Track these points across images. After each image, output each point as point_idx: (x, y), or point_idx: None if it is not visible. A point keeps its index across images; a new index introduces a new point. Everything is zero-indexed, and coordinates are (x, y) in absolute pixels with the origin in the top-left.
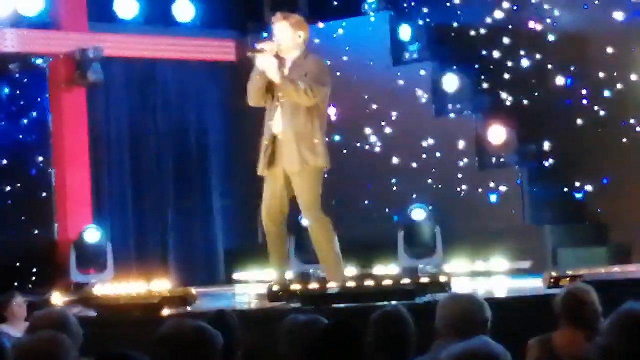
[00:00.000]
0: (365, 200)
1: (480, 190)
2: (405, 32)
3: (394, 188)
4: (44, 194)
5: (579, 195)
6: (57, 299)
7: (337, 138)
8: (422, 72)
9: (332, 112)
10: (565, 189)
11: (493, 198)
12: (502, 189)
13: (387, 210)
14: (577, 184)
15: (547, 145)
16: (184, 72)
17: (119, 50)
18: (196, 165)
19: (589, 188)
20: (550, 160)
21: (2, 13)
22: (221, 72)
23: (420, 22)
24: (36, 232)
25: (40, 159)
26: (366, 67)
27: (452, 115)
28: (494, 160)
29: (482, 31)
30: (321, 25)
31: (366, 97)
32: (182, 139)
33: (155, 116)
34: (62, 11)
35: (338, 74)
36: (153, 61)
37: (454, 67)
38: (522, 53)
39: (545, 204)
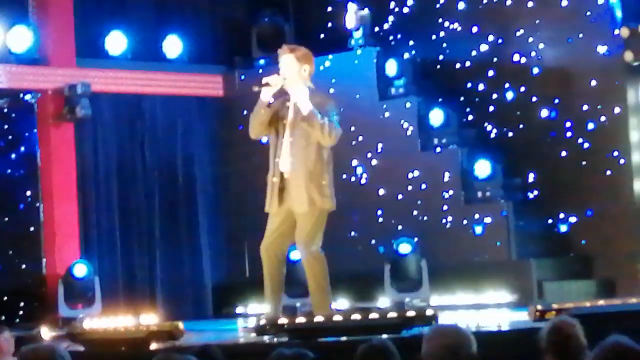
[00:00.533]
0: (350, 231)
1: (465, 223)
2: (391, 67)
3: (380, 220)
4: (32, 229)
5: (563, 227)
6: (45, 333)
7: None
8: (408, 105)
9: None
10: (550, 221)
11: (478, 231)
12: (488, 222)
13: (372, 242)
14: (562, 216)
15: (531, 177)
16: (172, 107)
17: (107, 86)
18: (184, 199)
19: (572, 219)
20: (535, 192)
21: None
22: (209, 107)
23: (406, 57)
24: (24, 266)
25: (29, 193)
26: (352, 101)
27: (438, 149)
28: (479, 194)
29: (467, 64)
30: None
31: (352, 129)
32: (170, 174)
33: (143, 151)
34: (50, 47)
35: None
36: (141, 96)
37: (440, 101)
38: (507, 85)
39: (530, 237)
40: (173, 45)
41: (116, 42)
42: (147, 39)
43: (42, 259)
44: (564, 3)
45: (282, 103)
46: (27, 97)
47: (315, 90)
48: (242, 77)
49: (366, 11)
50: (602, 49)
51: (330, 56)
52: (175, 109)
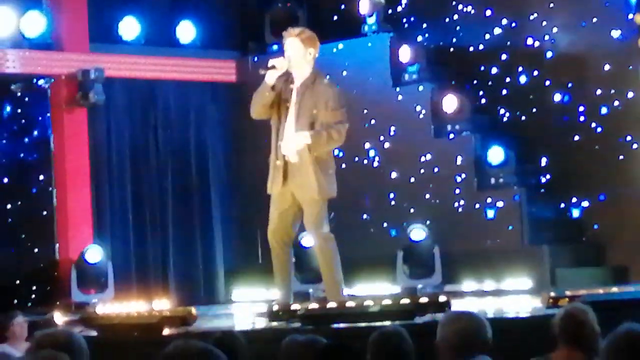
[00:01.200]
0: (363, 214)
1: (478, 209)
2: (404, 53)
3: (392, 202)
4: (45, 212)
5: (576, 212)
6: (58, 318)
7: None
8: (421, 90)
9: None
10: (562, 205)
11: (491, 216)
12: (500, 208)
13: (384, 224)
14: (574, 200)
15: (544, 161)
16: (185, 92)
17: (120, 71)
18: (197, 185)
19: (585, 204)
20: (547, 176)
21: (4, 34)
22: (222, 92)
23: (420, 43)
24: (36, 250)
25: (41, 177)
26: (366, 86)
27: (451, 135)
28: (492, 180)
29: (481, 47)
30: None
31: (365, 112)
32: (183, 159)
33: (156, 136)
34: (63, 32)
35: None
36: (154, 81)
37: (453, 87)
38: (520, 69)
39: (543, 224)
40: (186, 31)
41: (129, 27)
42: (161, 25)
43: (55, 244)
44: None
45: (286, 85)
46: (41, 82)
47: (319, 77)
48: (255, 59)
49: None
50: (615, 34)
51: (343, 42)
52: (188, 95)
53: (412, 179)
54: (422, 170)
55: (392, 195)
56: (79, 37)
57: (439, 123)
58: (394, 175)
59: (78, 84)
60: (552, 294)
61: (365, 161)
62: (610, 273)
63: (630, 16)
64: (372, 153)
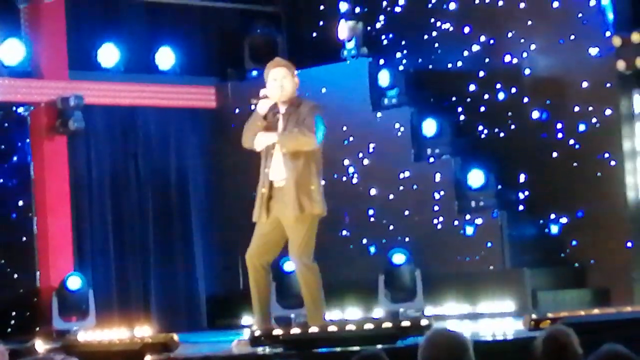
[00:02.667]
0: (342, 230)
1: (459, 233)
2: (383, 78)
3: (371, 219)
4: (24, 239)
5: (554, 228)
6: (39, 346)
7: None
8: (401, 115)
9: None
10: (541, 222)
11: (472, 240)
12: (481, 231)
13: (364, 241)
14: (552, 217)
15: (522, 178)
16: (165, 119)
17: (99, 98)
18: (177, 211)
19: (563, 220)
20: (526, 193)
21: None
22: (202, 118)
23: (399, 68)
24: (16, 276)
25: (21, 203)
26: (345, 111)
27: (432, 159)
28: (472, 203)
29: (459, 64)
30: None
31: (346, 139)
32: (163, 185)
33: (137, 163)
34: (43, 60)
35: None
36: (134, 108)
37: (432, 110)
38: (498, 87)
39: (524, 246)
40: (165, 57)
41: (109, 54)
42: (140, 51)
43: (36, 271)
44: (556, 5)
45: (272, 114)
46: (20, 109)
47: (303, 101)
48: (235, 85)
49: (359, 23)
50: (593, 51)
51: (322, 67)
52: (168, 121)
53: (394, 205)
54: (404, 198)
55: (371, 212)
56: (58, 64)
57: (419, 146)
58: (373, 192)
59: (58, 112)
60: (534, 316)
61: (345, 182)
62: (592, 295)
63: (608, 34)
64: (355, 178)
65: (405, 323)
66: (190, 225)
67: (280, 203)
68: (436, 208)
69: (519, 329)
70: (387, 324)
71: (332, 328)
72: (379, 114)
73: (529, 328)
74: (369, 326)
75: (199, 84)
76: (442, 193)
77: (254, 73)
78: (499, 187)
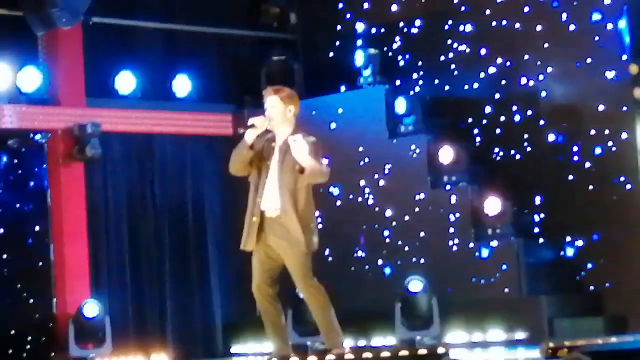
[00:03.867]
0: (358, 251)
1: (476, 261)
2: (400, 105)
3: (387, 240)
4: (41, 264)
5: (570, 251)
6: None
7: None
8: (417, 144)
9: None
10: (557, 245)
11: (488, 267)
12: (498, 259)
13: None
14: (569, 239)
15: (538, 200)
16: (182, 146)
17: (117, 125)
18: (194, 238)
19: (579, 244)
20: (542, 215)
21: (1, 89)
22: (218, 146)
23: (416, 94)
24: (32, 301)
25: (37, 228)
26: (362, 139)
27: (448, 187)
28: (490, 231)
29: (476, 86)
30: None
31: (362, 164)
32: (180, 213)
33: (153, 190)
34: (60, 87)
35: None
36: (151, 135)
37: (449, 138)
38: (515, 109)
39: (540, 274)
40: (182, 85)
41: (126, 81)
42: (157, 79)
43: (53, 298)
44: (572, 28)
45: (268, 144)
46: (38, 137)
47: (299, 131)
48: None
49: (376, 51)
50: (610, 75)
51: (339, 95)
52: (185, 149)
53: (411, 233)
54: (421, 225)
55: (387, 234)
56: (75, 91)
57: (436, 174)
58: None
59: (75, 139)
60: (551, 344)
61: (360, 199)
62: (609, 323)
63: (625, 57)
64: (371, 204)
65: (422, 351)
66: (206, 252)
67: (278, 235)
68: (455, 245)
69: (537, 357)
70: (404, 352)
71: (349, 356)
72: (395, 141)
73: (547, 356)
74: (385, 354)
75: (215, 112)
76: (459, 221)
77: None
78: (515, 211)
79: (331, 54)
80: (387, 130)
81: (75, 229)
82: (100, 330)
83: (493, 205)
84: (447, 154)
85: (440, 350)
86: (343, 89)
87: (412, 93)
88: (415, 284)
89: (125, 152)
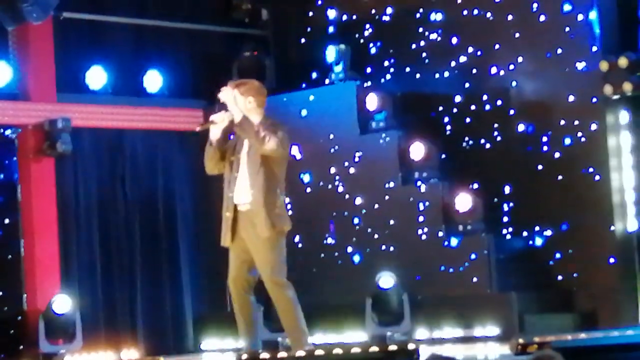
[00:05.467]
0: (327, 238)
1: (446, 257)
2: (371, 101)
3: (357, 228)
4: (10, 257)
5: (539, 240)
6: None
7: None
8: (388, 139)
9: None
10: (526, 233)
11: (459, 265)
12: (469, 256)
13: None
14: (537, 229)
15: (507, 190)
16: (152, 142)
17: (87, 121)
18: (164, 233)
19: (548, 233)
20: (511, 204)
21: None
22: (189, 141)
23: (386, 91)
24: (0, 294)
25: (7, 221)
26: (333, 135)
27: (419, 183)
28: (460, 227)
29: (446, 75)
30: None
31: (333, 170)
32: (151, 208)
33: (124, 185)
34: (30, 82)
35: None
36: (121, 131)
37: (420, 134)
38: (485, 98)
39: (511, 270)
40: (153, 80)
41: (96, 77)
42: (128, 74)
43: (23, 294)
44: (542, 18)
45: (238, 137)
46: (7, 132)
47: (269, 120)
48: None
49: (347, 47)
50: (580, 65)
51: (310, 91)
52: (156, 144)
53: (376, 235)
54: (391, 221)
55: (356, 221)
56: (45, 86)
57: (407, 170)
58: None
59: (45, 134)
60: (521, 340)
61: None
62: (579, 319)
63: (595, 48)
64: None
65: (392, 347)
66: (177, 248)
67: (248, 226)
68: (425, 240)
69: (506, 353)
70: (374, 348)
71: (319, 352)
72: (366, 138)
73: (516, 352)
74: (356, 350)
75: (186, 107)
76: (430, 217)
77: None
78: (486, 207)
79: (302, 50)
80: (358, 126)
81: (46, 224)
82: (71, 325)
83: (463, 202)
84: (418, 150)
85: (411, 346)
86: (314, 83)
87: (382, 81)
88: (386, 280)
89: (96, 148)
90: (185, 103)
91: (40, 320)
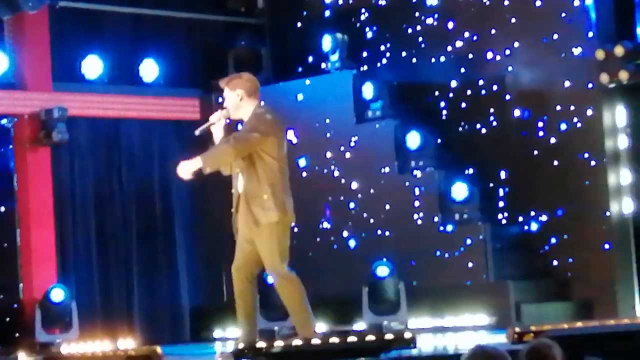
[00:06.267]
0: (323, 222)
1: (443, 246)
2: (367, 90)
3: (352, 212)
4: (5, 245)
5: (534, 225)
6: (23, 358)
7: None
8: (385, 128)
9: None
10: (521, 218)
11: (456, 253)
12: (465, 244)
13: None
14: (532, 214)
15: (503, 175)
16: (149, 131)
17: (83, 110)
18: (161, 223)
19: (543, 218)
20: (506, 189)
21: None
22: (186, 130)
23: (382, 80)
24: None
25: (3, 209)
26: (329, 123)
27: (416, 172)
28: (456, 216)
29: (442, 59)
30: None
31: (329, 154)
32: (147, 197)
33: (120, 175)
34: (26, 71)
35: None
36: (118, 120)
37: (417, 124)
38: (481, 83)
39: (507, 259)
40: (149, 69)
41: (93, 66)
42: (124, 63)
43: (19, 283)
44: (539, 3)
45: None
46: (3, 121)
47: (258, 110)
48: (219, 99)
49: (344, 36)
50: (576, 51)
51: (306, 79)
52: (152, 133)
53: (377, 220)
54: (388, 211)
55: (352, 205)
56: (41, 76)
57: (403, 159)
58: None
59: (41, 123)
60: (518, 329)
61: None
62: (575, 308)
63: (591, 34)
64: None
65: (389, 336)
66: (173, 238)
67: (241, 219)
68: (422, 228)
69: (503, 342)
70: (371, 337)
71: (316, 341)
72: (362, 127)
73: (513, 341)
74: (352, 339)
75: (183, 96)
76: (426, 206)
77: None
78: (482, 195)
79: (299, 37)
80: (354, 115)
81: (42, 214)
82: (67, 315)
83: (460, 191)
84: (414, 139)
85: (407, 335)
86: (310, 71)
87: (378, 65)
88: (382, 269)
89: (92, 137)
90: (182, 92)
91: (36, 309)
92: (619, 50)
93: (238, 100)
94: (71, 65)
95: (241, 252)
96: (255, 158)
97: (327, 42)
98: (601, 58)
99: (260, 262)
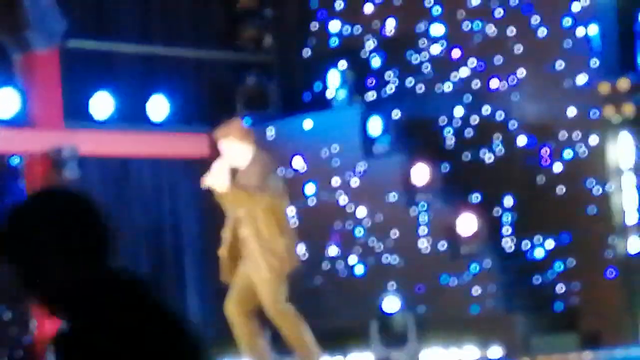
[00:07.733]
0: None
1: (451, 278)
2: (375, 126)
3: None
4: None
5: (540, 253)
6: None
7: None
8: (392, 163)
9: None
10: (528, 243)
11: (465, 285)
12: (474, 276)
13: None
14: (538, 242)
15: (510, 201)
16: (159, 168)
17: (94, 148)
18: (171, 261)
19: (549, 247)
20: (511, 216)
21: None
22: (195, 167)
23: (390, 116)
24: (9, 316)
25: None
26: (336, 159)
27: (422, 207)
28: (464, 250)
29: (447, 87)
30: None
31: (336, 188)
32: (157, 235)
33: (131, 213)
34: (37, 110)
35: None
36: (128, 158)
37: (423, 158)
38: (486, 111)
39: (515, 291)
40: (159, 107)
41: (103, 104)
42: (134, 101)
43: (31, 319)
44: (544, 32)
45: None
46: (15, 160)
47: (257, 156)
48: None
49: (349, 72)
50: (580, 79)
51: (313, 115)
52: (162, 171)
53: (387, 257)
54: (399, 248)
55: (359, 233)
56: (52, 114)
57: (410, 194)
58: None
59: (52, 162)
60: None
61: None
62: (583, 339)
63: (594, 62)
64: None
65: None
66: (183, 275)
67: (248, 261)
68: (431, 261)
69: None
70: None
71: None
72: (369, 162)
73: None
74: None
75: (192, 132)
76: (434, 240)
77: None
78: (489, 229)
79: (306, 72)
80: (361, 150)
81: None
82: None
83: (467, 225)
84: (421, 175)
85: None
86: (318, 106)
87: (384, 94)
88: (391, 302)
89: (103, 175)
90: (190, 129)
91: (48, 349)
92: (623, 84)
93: (234, 148)
94: (82, 104)
95: (241, 286)
96: (268, 208)
97: (334, 76)
98: (605, 92)
99: (257, 297)
